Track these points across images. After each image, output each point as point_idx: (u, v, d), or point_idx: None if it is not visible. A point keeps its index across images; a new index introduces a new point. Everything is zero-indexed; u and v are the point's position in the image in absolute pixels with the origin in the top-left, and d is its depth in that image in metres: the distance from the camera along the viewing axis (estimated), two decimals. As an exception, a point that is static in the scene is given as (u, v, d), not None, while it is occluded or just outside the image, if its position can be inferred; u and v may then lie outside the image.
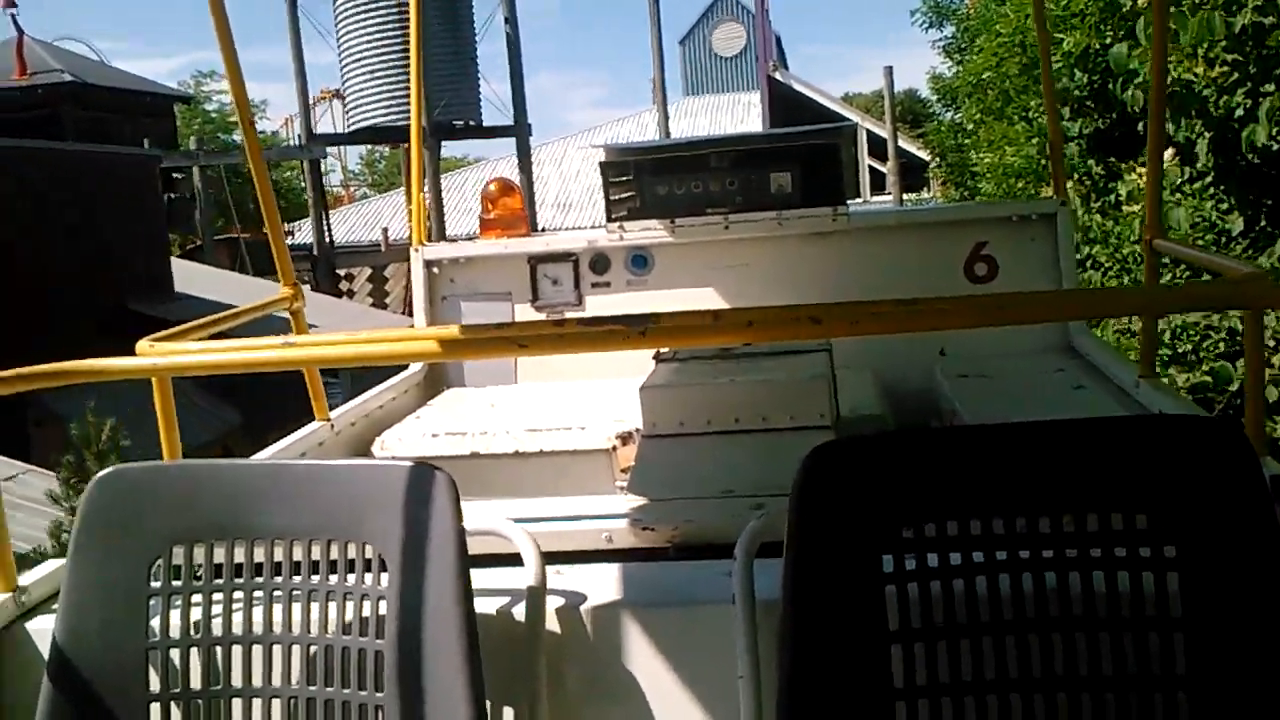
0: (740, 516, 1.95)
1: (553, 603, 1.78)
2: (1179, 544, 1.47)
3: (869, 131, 26.81)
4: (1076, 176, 8.45)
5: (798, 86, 29.27)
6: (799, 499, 1.54)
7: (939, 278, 3.53)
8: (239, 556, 1.67)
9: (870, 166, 26.93)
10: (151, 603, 1.67)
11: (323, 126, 23.02)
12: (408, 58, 15.76)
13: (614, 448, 2.88)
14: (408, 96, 16.12)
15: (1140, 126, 7.37)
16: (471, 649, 1.57)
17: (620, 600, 1.80)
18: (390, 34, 17.53)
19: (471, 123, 18.53)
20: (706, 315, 1.83)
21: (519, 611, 1.75)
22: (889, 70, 22.75)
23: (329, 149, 23.48)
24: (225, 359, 2.07)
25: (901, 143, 25.24)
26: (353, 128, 18.72)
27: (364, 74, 17.97)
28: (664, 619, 1.78)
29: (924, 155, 24.45)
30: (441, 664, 1.56)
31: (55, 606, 1.70)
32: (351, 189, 38.32)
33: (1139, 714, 1.45)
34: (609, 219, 3.74)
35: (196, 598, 1.66)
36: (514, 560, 1.81)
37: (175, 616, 1.66)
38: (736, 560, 1.71)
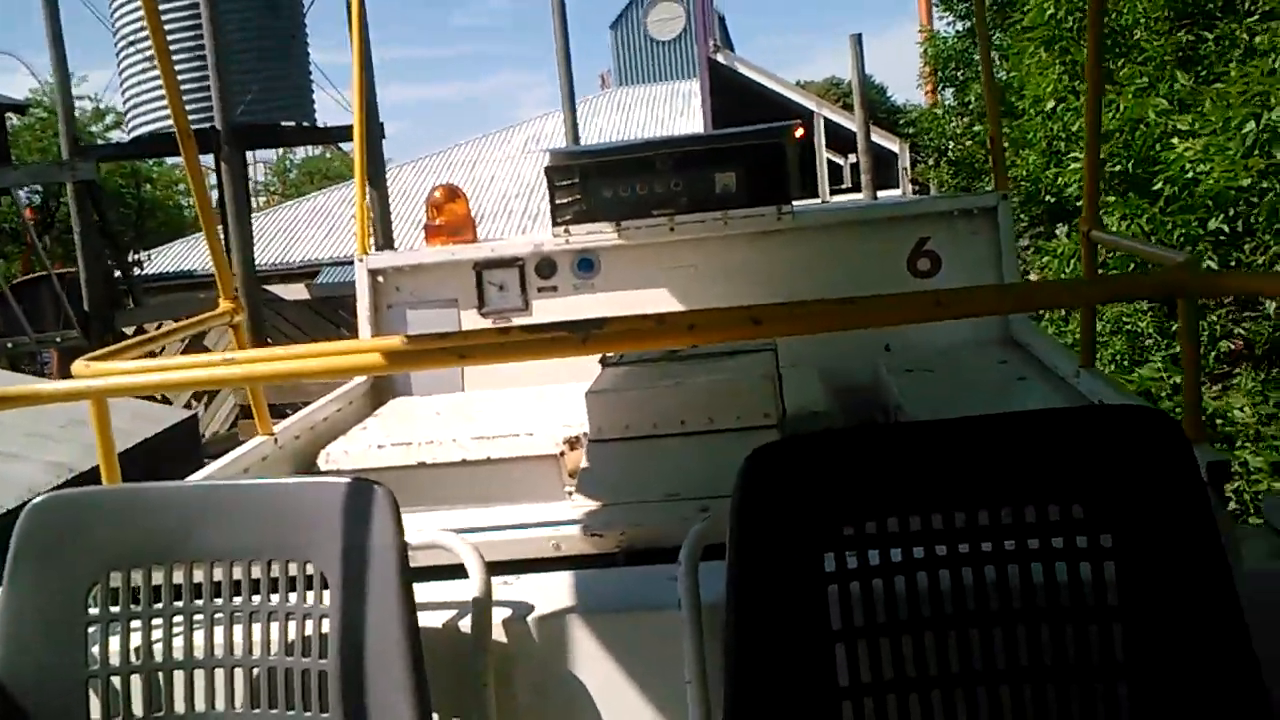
0: (686, 519, 1.96)
1: (499, 614, 1.77)
2: (1115, 533, 1.49)
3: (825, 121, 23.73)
4: None
5: (744, 70, 25.77)
6: (740, 501, 1.54)
7: (883, 273, 3.56)
8: (177, 579, 1.65)
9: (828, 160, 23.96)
10: (90, 630, 1.64)
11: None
12: (200, 41, 12.36)
13: (562, 453, 2.87)
14: (202, 91, 12.42)
15: None
16: (415, 664, 1.56)
17: (567, 609, 1.79)
18: (178, 9, 12.71)
19: (305, 124, 14.03)
20: (649, 319, 1.83)
21: (465, 624, 1.75)
22: (857, 39, 17.64)
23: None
24: (164, 379, 2.05)
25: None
26: (133, 134, 13.52)
27: (143, 64, 12.95)
28: (611, 626, 1.78)
29: (891, 146, 21.68)
30: (385, 680, 1.55)
31: None
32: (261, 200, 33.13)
33: (1080, 703, 1.47)
34: (554, 223, 3.74)
35: (136, 623, 1.64)
36: (461, 572, 1.81)
37: (115, 643, 1.64)
38: (681, 564, 1.71)
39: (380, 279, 3.86)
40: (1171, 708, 1.45)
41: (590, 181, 3.67)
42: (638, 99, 27.32)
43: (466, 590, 1.76)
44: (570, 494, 2.56)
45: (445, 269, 3.82)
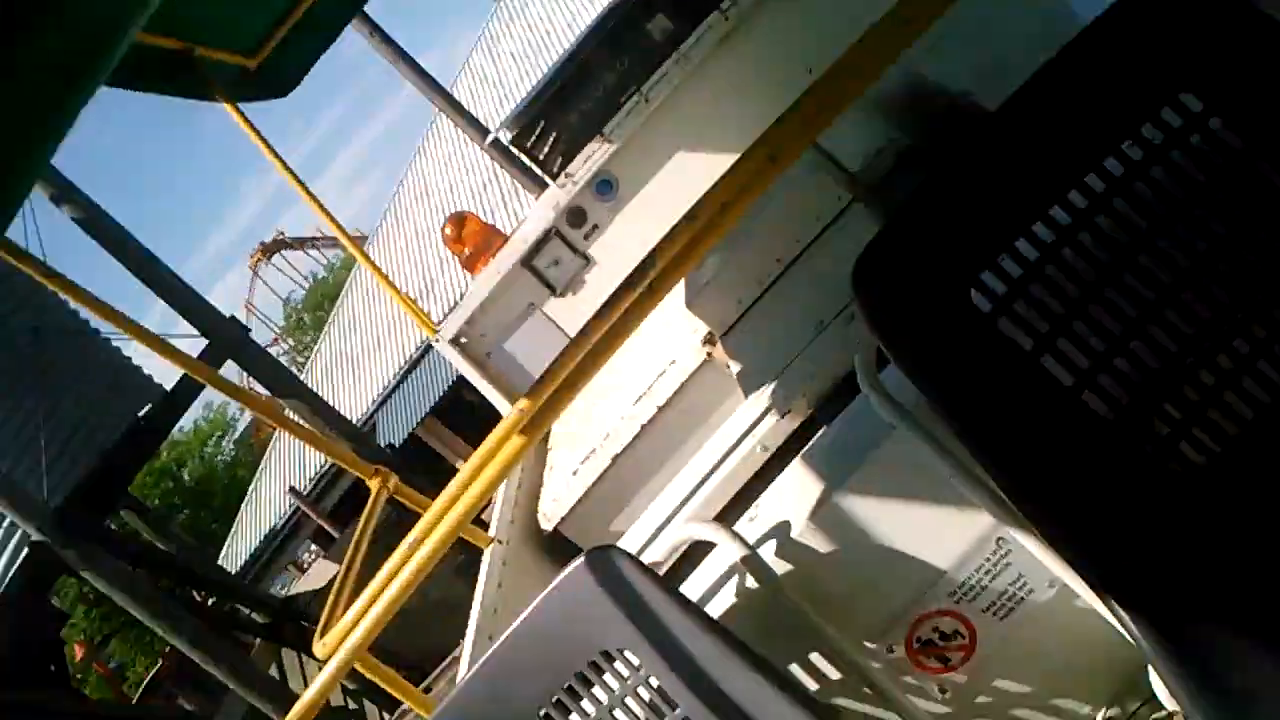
0: (847, 345, 1.92)
1: (767, 549, 1.79)
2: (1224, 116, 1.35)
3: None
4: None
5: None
6: (867, 307, 1.46)
7: None
8: None
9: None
10: None
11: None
12: None
13: (709, 354, 2.82)
14: None
15: None
16: (744, 653, 1.53)
17: (816, 496, 1.80)
18: None
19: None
20: (680, 225, 1.76)
21: (750, 581, 1.77)
22: None
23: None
24: (387, 605, 2.08)
25: None
26: None
27: None
28: (861, 480, 1.78)
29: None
30: (731, 683, 1.55)
31: None
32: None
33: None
34: (554, 178, 3.68)
35: None
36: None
37: None
38: (864, 389, 1.69)
39: (465, 340, 3.86)
40: None
41: (552, 119, 3.59)
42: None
43: (728, 557, 1.78)
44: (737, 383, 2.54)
45: (502, 286, 3.80)
